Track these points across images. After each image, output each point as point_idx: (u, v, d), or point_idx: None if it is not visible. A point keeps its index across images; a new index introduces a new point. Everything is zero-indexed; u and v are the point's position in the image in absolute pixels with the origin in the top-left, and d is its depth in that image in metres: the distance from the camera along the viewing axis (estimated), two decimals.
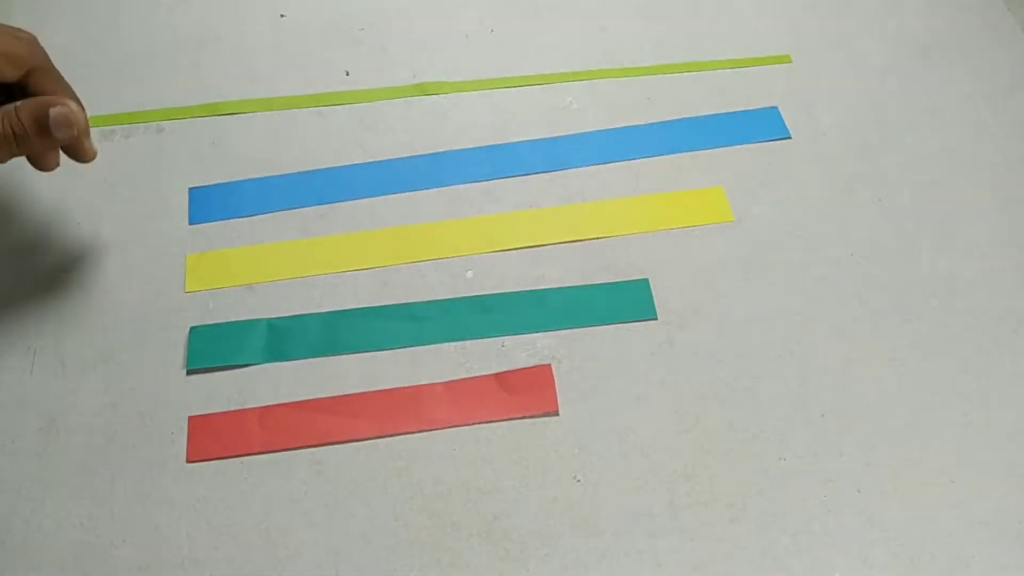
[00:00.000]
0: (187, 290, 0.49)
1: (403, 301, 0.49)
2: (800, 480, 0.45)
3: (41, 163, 0.44)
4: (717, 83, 0.59)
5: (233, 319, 0.48)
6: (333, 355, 0.47)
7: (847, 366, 0.48)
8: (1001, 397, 0.48)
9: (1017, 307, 0.51)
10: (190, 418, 0.45)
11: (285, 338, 0.47)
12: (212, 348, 0.47)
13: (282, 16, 0.61)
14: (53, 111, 0.41)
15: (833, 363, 0.48)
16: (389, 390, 0.46)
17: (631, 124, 0.56)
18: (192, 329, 0.47)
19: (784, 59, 0.60)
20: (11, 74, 0.42)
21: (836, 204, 0.54)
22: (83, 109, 0.43)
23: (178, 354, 0.47)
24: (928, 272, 0.52)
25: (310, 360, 0.47)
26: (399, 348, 0.48)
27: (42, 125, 0.41)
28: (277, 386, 0.46)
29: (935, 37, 0.62)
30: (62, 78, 0.45)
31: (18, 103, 0.41)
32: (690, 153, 0.55)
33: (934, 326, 0.50)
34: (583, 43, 0.60)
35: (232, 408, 0.45)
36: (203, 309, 0.48)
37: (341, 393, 0.46)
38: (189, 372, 0.46)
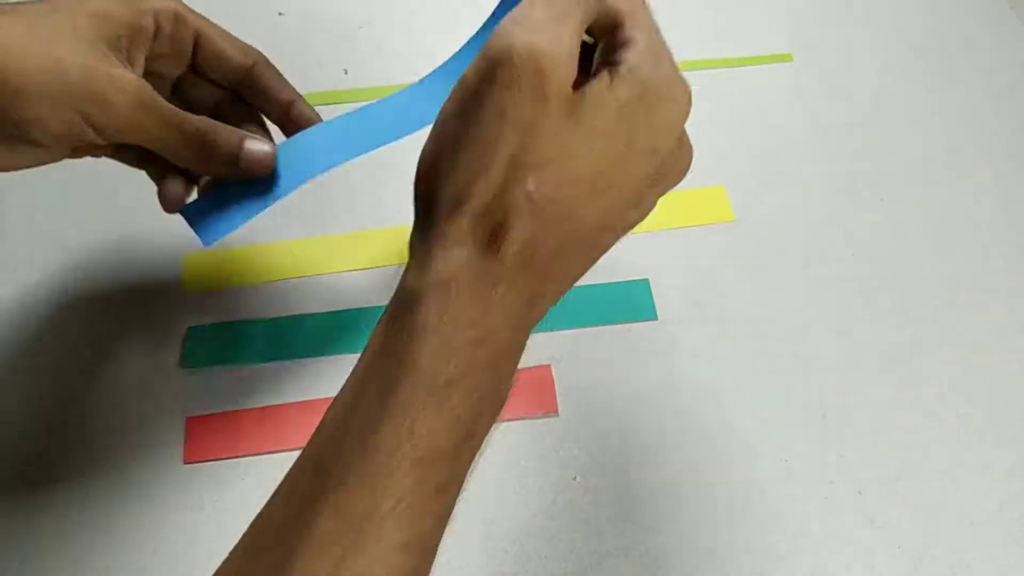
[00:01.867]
0: (185, 290, 0.49)
1: None
2: (801, 481, 0.45)
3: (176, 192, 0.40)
4: (718, 81, 0.58)
5: (231, 319, 0.48)
6: (332, 355, 0.47)
7: (848, 366, 0.48)
8: (1002, 398, 0.47)
9: (1018, 307, 0.51)
10: (188, 419, 0.45)
11: (283, 338, 0.47)
12: (210, 348, 0.46)
13: (280, 14, 0.61)
14: (251, 144, 0.37)
15: (834, 363, 0.48)
16: None
17: None
18: (190, 329, 0.47)
19: (786, 57, 0.60)
20: (242, 60, 0.40)
21: (838, 203, 0.54)
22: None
23: (176, 354, 0.47)
24: (929, 272, 0.51)
25: (308, 360, 0.47)
26: None
27: (234, 151, 0.37)
28: (275, 387, 0.46)
29: (937, 35, 0.62)
30: (286, 80, 0.41)
31: (220, 124, 0.37)
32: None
33: (935, 326, 0.50)
34: None
35: (230, 409, 0.45)
36: (201, 309, 0.48)
37: None
38: (187, 372, 0.46)
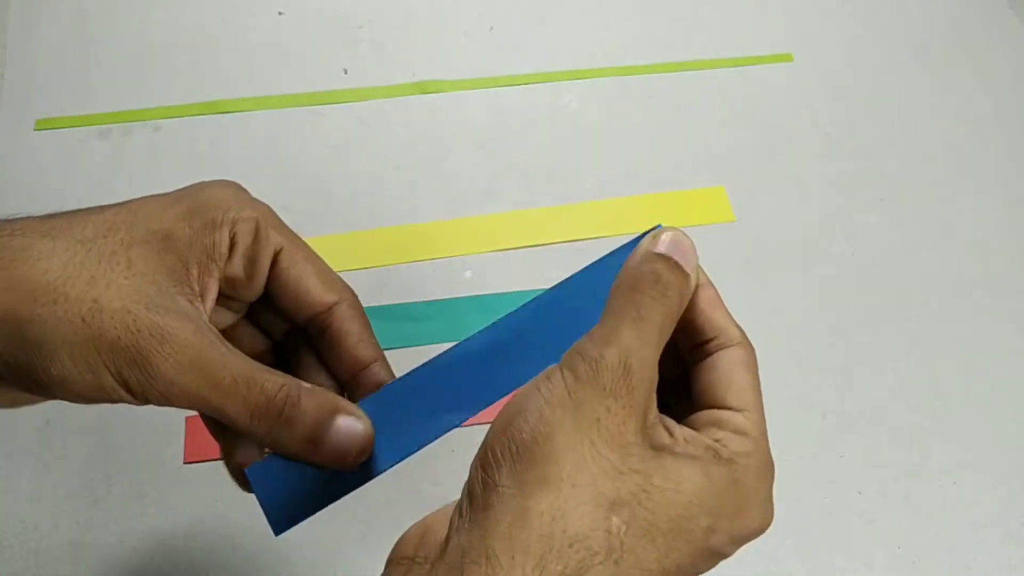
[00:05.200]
0: None
1: (402, 301, 0.49)
2: (801, 482, 0.44)
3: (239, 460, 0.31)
4: (718, 81, 0.58)
5: None
6: None
7: (848, 366, 0.48)
8: (1002, 398, 0.47)
9: (1018, 307, 0.50)
10: (187, 419, 0.45)
11: None
12: None
13: (280, 14, 0.60)
14: (342, 423, 0.28)
15: (834, 363, 0.48)
16: None
17: (630, 122, 0.56)
18: None
19: (786, 57, 0.60)
20: (322, 296, 0.31)
21: (837, 203, 0.54)
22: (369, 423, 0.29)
23: None
24: (929, 272, 0.51)
25: None
26: (398, 348, 0.47)
27: (318, 433, 0.28)
28: None
29: (937, 35, 0.62)
30: (368, 324, 0.32)
31: (307, 387, 0.28)
32: (691, 151, 0.55)
33: (935, 326, 0.49)
34: (583, 41, 0.60)
35: None
36: None
37: None
38: None
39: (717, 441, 0.26)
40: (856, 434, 0.46)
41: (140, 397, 0.27)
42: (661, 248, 0.29)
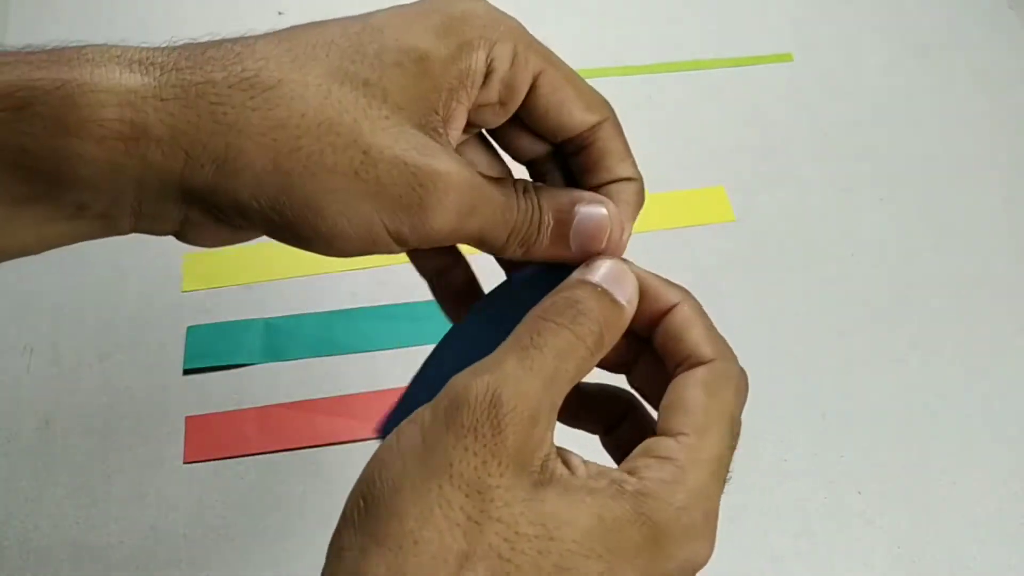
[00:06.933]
0: (184, 289, 0.49)
1: (402, 301, 0.49)
2: (801, 481, 0.44)
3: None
4: (718, 81, 0.58)
5: (230, 319, 0.48)
6: (331, 355, 0.47)
7: (847, 366, 0.48)
8: (1002, 398, 0.47)
9: (1018, 307, 0.50)
10: (187, 418, 0.45)
11: (283, 338, 0.47)
12: (209, 348, 0.46)
13: (280, 14, 0.60)
14: (583, 211, 0.27)
15: (833, 363, 0.48)
16: (388, 390, 0.46)
17: (630, 122, 0.56)
18: (189, 329, 0.47)
19: (786, 57, 0.60)
20: (585, 117, 0.29)
21: (837, 203, 0.54)
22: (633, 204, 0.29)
23: (175, 354, 0.46)
24: (929, 272, 0.51)
25: (308, 360, 0.47)
26: (398, 348, 0.47)
27: (562, 229, 0.27)
28: (275, 386, 0.46)
29: (937, 35, 0.62)
30: (629, 149, 0.30)
31: (545, 191, 0.27)
32: (691, 151, 0.55)
33: (935, 326, 0.50)
34: (583, 41, 0.60)
35: (229, 408, 0.45)
36: (200, 309, 0.48)
37: (339, 393, 0.46)
38: (186, 372, 0.46)
39: (631, 472, 0.23)
40: (856, 434, 0.46)
41: (410, 245, 0.25)
42: (591, 276, 0.26)
